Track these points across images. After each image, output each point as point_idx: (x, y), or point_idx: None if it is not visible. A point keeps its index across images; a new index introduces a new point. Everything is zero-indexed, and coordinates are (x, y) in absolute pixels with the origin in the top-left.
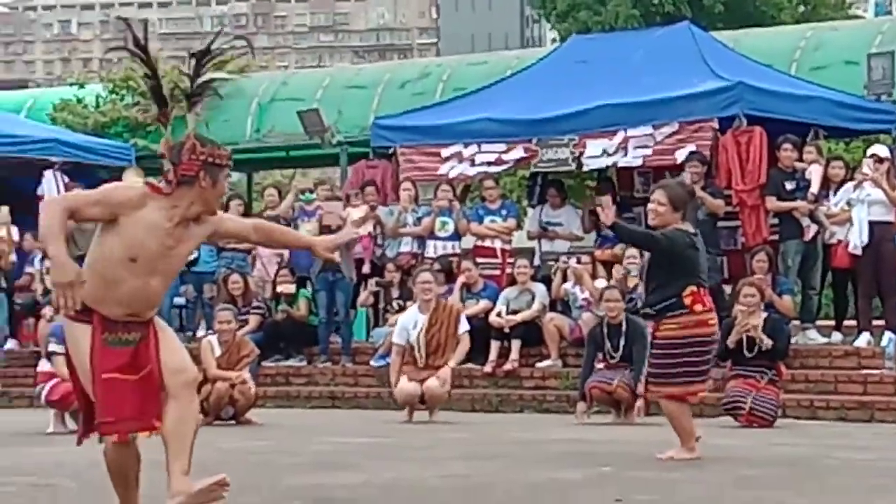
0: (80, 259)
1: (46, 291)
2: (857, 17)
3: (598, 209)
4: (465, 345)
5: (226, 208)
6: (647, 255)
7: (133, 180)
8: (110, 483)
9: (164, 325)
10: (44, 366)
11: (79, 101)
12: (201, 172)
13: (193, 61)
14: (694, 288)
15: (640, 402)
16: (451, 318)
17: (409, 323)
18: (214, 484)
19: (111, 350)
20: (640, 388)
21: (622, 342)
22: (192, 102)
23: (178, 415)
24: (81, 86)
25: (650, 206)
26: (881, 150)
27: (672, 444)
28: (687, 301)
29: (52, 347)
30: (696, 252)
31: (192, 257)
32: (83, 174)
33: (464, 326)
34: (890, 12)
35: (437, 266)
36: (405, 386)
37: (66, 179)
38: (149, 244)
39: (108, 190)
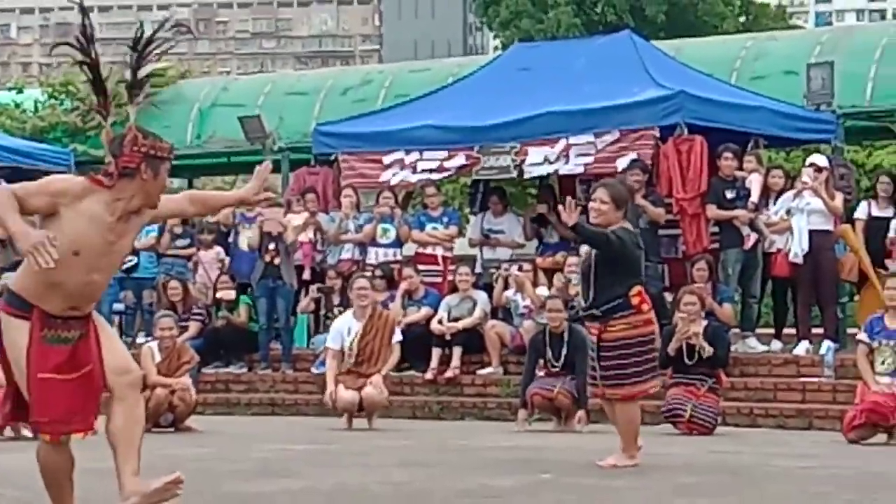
0: (15, 268)
1: None
2: (797, 27)
3: (560, 209)
4: (395, 355)
5: None
6: (585, 257)
7: None
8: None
9: (104, 323)
10: None
11: (17, 105)
12: (142, 164)
13: (134, 53)
14: (640, 287)
15: (581, 412)
16: (385, 327)
17: (343, 328)
18: (169, 483)
19: (49, 348)
20: (590, 391)
21: (564, 351)
22: (134, 94)
23: (125, 416)
24: (20, 90)
25: (592, 204)
26: (820, 159)
27: (612, 452)
28: (634, 301)
29: None
30: (640, 252)
31: (131, 263)
32: (21, 179)
33: (397, 337)
34: (830, 23)
35: (378, 273)
36: (343, 394)
37: (4, 184)
38: (92, 237)
39: (48, 180)
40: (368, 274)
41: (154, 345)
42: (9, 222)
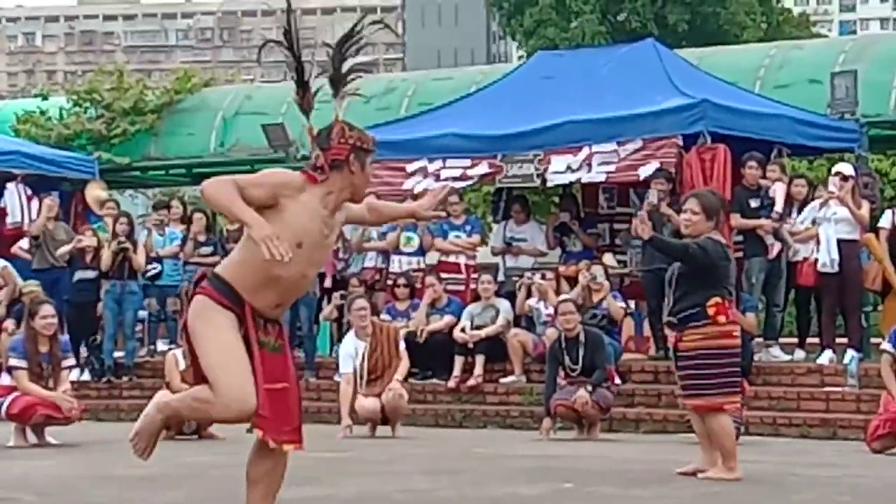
0: (49, 270)
1: (9, 305)
2: (821, 35)
3: (636, 224)
4: (405, 362)
5: (189, 220)
6: (674, 263)
7: (97, 194)
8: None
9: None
10: (4, 379)
11: (42, 113)
12: (351, 156)
13: (335, 47)
14: (718, 299)
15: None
16: (390, 341)
17: (350, 351)
18: None
19: (266, 355)
20: (681, 402)
21: (581, 354)
22: (338, 88)
23: (278, 462)
24: (45, 98)
25: (684, 215)
26: (846, 168)
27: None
28: (711, 311)
29: (13, 362)
30: (728, 263)
31: (155, 271)
32: (46, 186)
33: (402, 345)
34: (854, 31)
35: (402, 281)
36: (364, 403)
37: (29, 192)
38: (313, 230)
39: (269, 172)
40: (365, 294)
41: (178, 352)
42: (239, 211)
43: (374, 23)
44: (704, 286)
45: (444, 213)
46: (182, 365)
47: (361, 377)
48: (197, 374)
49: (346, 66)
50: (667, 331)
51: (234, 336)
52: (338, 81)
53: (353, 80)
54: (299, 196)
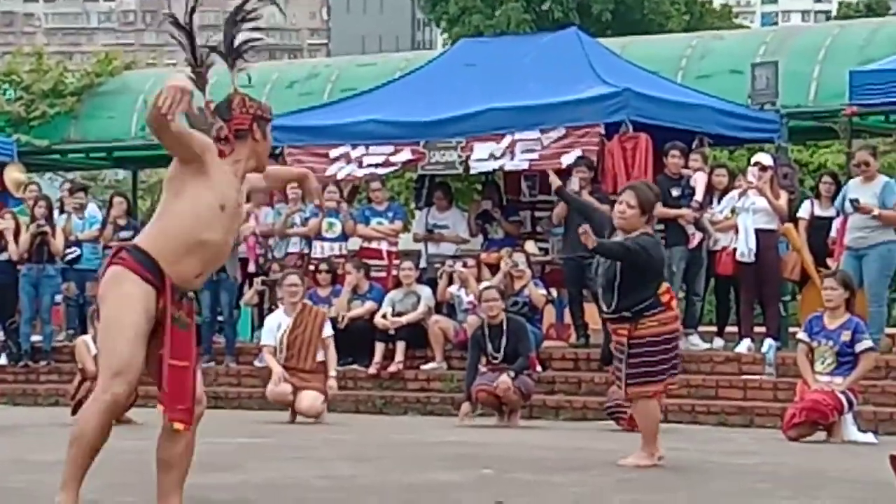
0: None
1: None
2: (743, 27)
3: (581, 234)
4: (332, 351)
5: (109, 205)
6: (607, 263)
7: (15, 176)
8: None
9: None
10: None
11: None
12: (253, 125)
13: (226, 22)
14: (667, 285)
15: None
16: (315, 322)
17: (275, 325)
18: None
19: (177, 331)
20: (617, 393)
21: (504, 342)
22: (234, 60)
23: (188, 445)
24: None
25: (618, 206)
26: (765, 158)
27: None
28: (664, 299)
29: None
30: (663, 255)
31: (74, 255)
32: None
33: (328, 331)
34: (776, 23)
35: (323, 267)
36: (277, 389)
37: None
38: (232, 195)
39: (197, 132)
40: (298, 271)
41: (88, 338)
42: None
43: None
44: (650, 278)
45: (317, 201)
46: (94, 350)
47: (281, 352)
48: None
49: (237, 40)
50: (613, 326)
51: (141, 314)
52: (232, 55)
53: (245, 51)
54: (216, 160)
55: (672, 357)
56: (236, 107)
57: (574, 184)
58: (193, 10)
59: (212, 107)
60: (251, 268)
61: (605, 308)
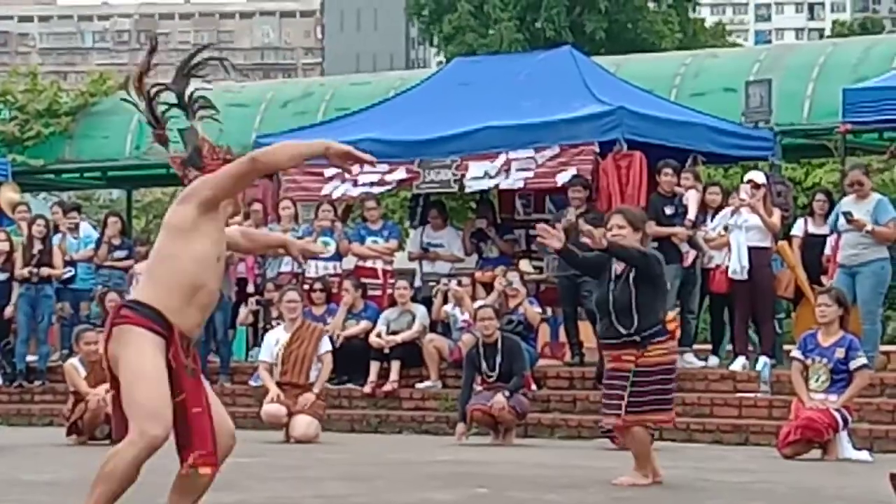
0: None
1: None
2: (737, 45)
3: (587, 237)
4: (328, 366)
5: (104, 225)
6: (606, 283)
7: (9, 196)
8: None
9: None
10: None
11: None
12: None
13: (174, 80)
14: (673, 314)
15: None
16: (311, 338)
17: (273, 340)
18: None
19: (189, 380)
20: (606, 422)
21: (499, 360)
22: (193, 111)
23: (206, 487)
24: None
25: (609, 233)
26: (758, 176)
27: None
28: (670, 327)
29: None
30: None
31: (69, 274)
32: None
33: (325, 347)
34: (769, 41)
35: (318, 286)
36: (270, 409)
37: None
38: (223, 244)
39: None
40: (297, 287)
41: (76, 360)
42: (307, 147)
43: (214, 59)
44: (659, 301)
45: (301, 261)
46: (83, 371)
47: (277, 366)
48: (120, 404)
49: (188, 92)
50: (616, 352)
51: (160, 360)
52: (185, 107)
53: (196, 103)
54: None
55: (672, 389)
56: (207, 154)
57: (570, 213)
58: (145, 72)
59: (178, 161)
60: (250, 288)
61: (623, 331)
